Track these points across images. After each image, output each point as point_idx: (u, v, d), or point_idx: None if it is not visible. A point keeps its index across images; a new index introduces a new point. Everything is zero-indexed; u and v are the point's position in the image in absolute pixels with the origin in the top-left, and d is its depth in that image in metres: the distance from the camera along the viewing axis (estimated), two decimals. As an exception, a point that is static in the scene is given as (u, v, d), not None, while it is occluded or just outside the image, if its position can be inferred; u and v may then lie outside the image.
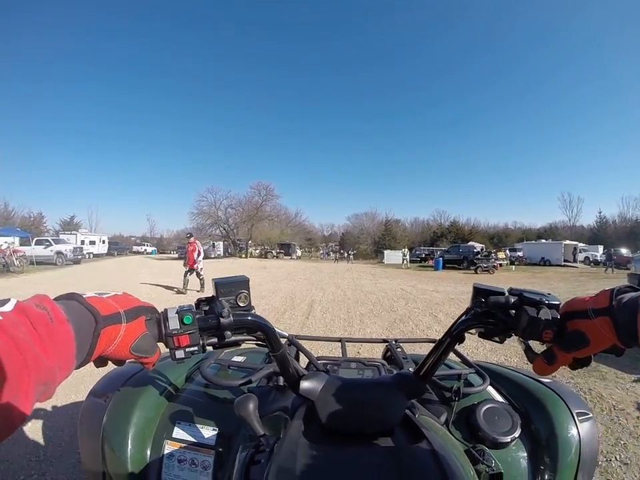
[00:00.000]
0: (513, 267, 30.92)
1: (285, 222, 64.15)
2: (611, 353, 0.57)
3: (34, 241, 25.95)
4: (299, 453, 0.53)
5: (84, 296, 0.50)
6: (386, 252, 40.85)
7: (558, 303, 0.60)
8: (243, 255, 43.29)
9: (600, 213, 64.49)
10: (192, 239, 11.52)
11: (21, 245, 25.15)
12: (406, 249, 35.23)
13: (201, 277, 11.33)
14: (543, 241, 44.53)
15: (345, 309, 8.83)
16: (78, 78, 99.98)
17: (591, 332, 0.55)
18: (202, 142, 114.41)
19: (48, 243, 26.15)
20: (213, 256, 46.89)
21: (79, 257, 27.58)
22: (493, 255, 29.72)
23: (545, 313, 0.57)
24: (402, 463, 0.54)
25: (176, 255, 45.20)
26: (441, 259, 28.69)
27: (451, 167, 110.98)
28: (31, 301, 0.42)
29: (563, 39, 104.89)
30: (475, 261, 28.16)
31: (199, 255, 11.27)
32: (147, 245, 66.03)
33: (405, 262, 31.65)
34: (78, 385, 3.61)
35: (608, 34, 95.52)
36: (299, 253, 53.80)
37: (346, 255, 46.64)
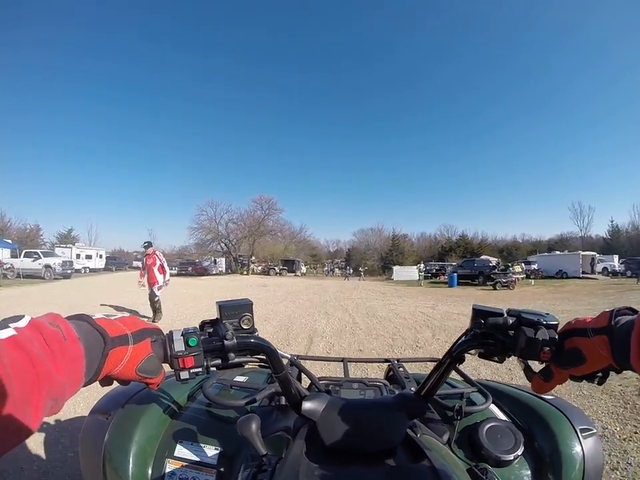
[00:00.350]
0: (532, 281, 28.48)
1: (289, 237, 62.33)
2: (604, 375, 0.58)
3: (22, 253, 24.43)
4: (300, 473, 0.54)
5: (93, 317, 0.52)
6: (395, 268, 38.74)
7: (556, 323, 0.61)
8: (245, 272, 41.25)
9: (612, 221, 62.04)
10: (150, 250, 8.86)
11: (12, 257, 23.70)
12: (422, 264, 32.77)
13: (156, 300, 8.54)
14: (558, 252, 42.03)
15: (356, 345, 6.73)
16: (79, 94, 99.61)
17: (587, 350, 0.56)
18: (206, 159, 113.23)
19: (37, 256, 24.63)
20: (214, 272, 44.99)
21: (69, 271, 25.87)
22: (510, 269, 27.54)
23: (542, 334, 0.58)
24: None
25: (178, 272, 43.34)
26: (455, 274, 26.34)
27: (457, 182, 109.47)
28: (45, 319, 0.43)
29: (575, 45, 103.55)
30: (492, 276, 25.93)
31: (161, 270, 8.69)
32: (148, 262, 64.65)
33: (420, 278, 29.27)
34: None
35: (619, 40, 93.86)
36: (303, 269, 51.77)
37: (352, 271, 44.41)
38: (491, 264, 28.56)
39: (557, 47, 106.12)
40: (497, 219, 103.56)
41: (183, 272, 41.92)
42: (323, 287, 25.47)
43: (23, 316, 0.41)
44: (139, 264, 10.87)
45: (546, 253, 43.56)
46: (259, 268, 43.63)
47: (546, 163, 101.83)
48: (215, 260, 46.99)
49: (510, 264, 30.30)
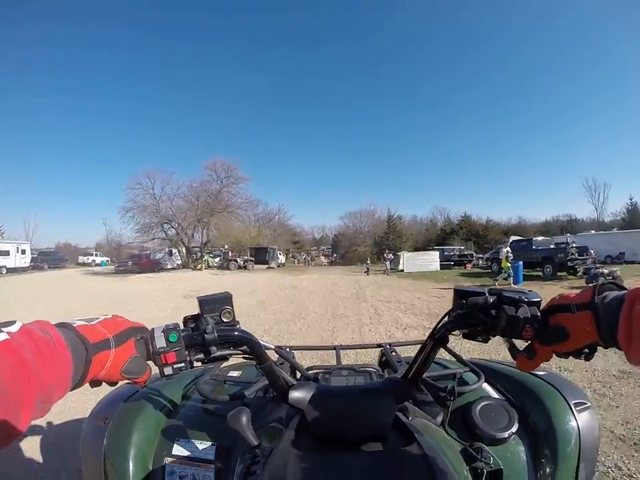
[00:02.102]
0: (617, 268, 18.01)
1: (264, 220, 51.21)
2: (590, 351, 0.57)
3: None
4: (289, 462, 0.54)
5: (74, 325, 0.51)
6: (406, 255, 27.54)
7: (539, 300, 0.60)
8: (199, 266, 30.07)
9: (632, 199, 52.67)
10: None
11: None
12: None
13: None
14: (617, 230, 31.89)
15: None
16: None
17: (571, 326, 0.55)
18: (174, 144, 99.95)
19: None
20: (169, 267, 33.71)
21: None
22: (589, 254, 17.25)
23: (523, 311, 0.57)
24: (390, 466, 0.55)
25: (116, 268, 31.97)
26: (520, 264, 15.68)
27: (446, 162, 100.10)
28: (35, 325, 0.44)
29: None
30: (575, 266, 15.60)
31: None
32: (97, 255, 52.84)
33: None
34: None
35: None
36: (281, 259, 40.78)
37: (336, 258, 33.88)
38: (562, 246, 17.97)
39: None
40: (490, 201, 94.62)
41: (122, 269, 30.93)
42: (303, 291, 14.61)
43: (15, 321, 0.42)
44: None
45: (593, 232, 33.14)
46: (216, 260, 32.69)
47: (532, 144, 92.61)
48: (172, 251, 35.44)
49: (573, 245, 19.59)
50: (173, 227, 34.42)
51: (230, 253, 35.87)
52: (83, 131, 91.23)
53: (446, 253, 28.33)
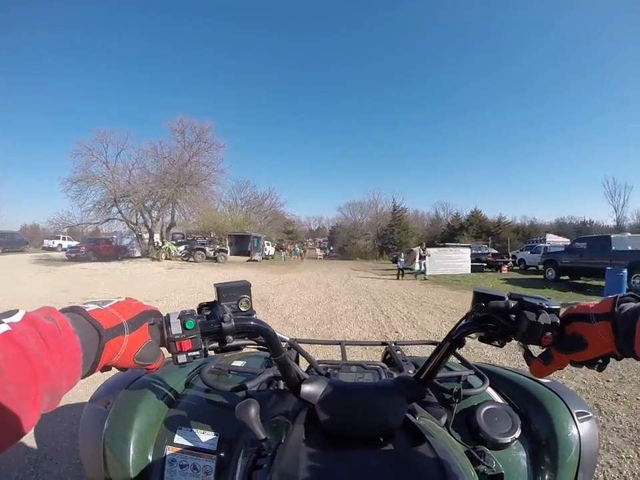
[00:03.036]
0: None
1: (253, 206, 44.62)
2: (604, 361, 0.57)
3: None
4: (301, 458, 0.53)
5: (87, 309, 0.49)
6: (432, 251, 19.37)
7: (558, 307, 0.59)
8: (163, 255, 23.32)
9: None
10: None
11: None
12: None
13: None
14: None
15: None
16: None
17: (589, 335, 0.54)
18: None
19: None
20: (138, 254, 26.91)
21: None
22: None
23: (544, 318, 0.56)
24: (402, 466, 0.55)
25: (67, 255, 25.23)
26: (624, 273, 9.30)
27: (450, 158, 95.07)
28: (39, 313, 0.42)
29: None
30: None
31: None
32: (65, 239, 46.09)
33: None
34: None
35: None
36: (269, 250, 34.17)
37: (330, 251, 27.68)
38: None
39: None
40: (494, 199, 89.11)
41: (73, 255, 24.33)
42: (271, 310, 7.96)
43: (17, 310, 0.40)
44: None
45: (629, 234, 26.64)
46: (181, 248, 25.38)
47: (535, 144, 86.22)
48: (141, 235, 28.56)
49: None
50: (134, 206, 27.44)
51: (201, 239, 28.98)
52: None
53: (475, 251, 21.79)
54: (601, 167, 78.39)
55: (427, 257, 16.91)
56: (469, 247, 22.64)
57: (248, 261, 27.36)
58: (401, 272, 16.80)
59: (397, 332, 5.92)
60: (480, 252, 22.77)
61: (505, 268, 20.61)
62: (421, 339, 5.50)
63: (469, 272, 19.04)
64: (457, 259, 19.35)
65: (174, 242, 25.73)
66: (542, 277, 15.56)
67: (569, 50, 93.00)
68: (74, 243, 44.16)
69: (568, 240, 29.05)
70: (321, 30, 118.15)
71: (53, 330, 0.40)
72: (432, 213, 61.06)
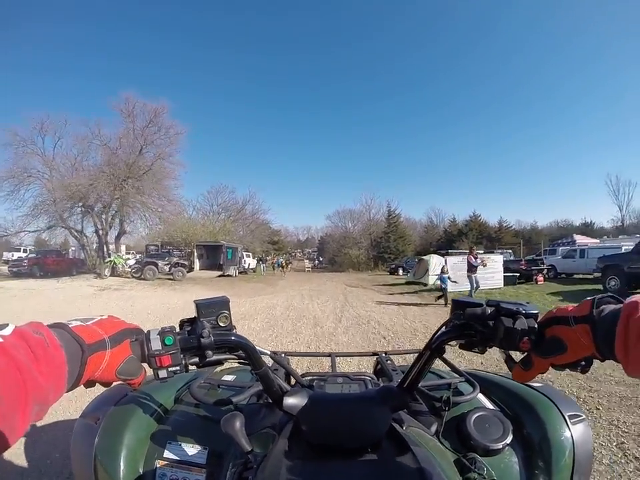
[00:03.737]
0: None
1: (232, 212, 39.47)
2: (587, 363, 0.56)
3: None
4: (282, 469, 0.54)
5: (70, 325, 0.50)
6: (449, 260, 14.48)
7: (536, 312, 0.59)
8: (107, 272, 18.04)
9: None
10: None
11: None
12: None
13: None
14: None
15: None
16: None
17: (568, 339, 0.54)
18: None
19: None
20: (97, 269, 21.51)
21: None
22: None
23: (521, 323, 0.56)
24: (384, 476, 0.54)
25: (9, 269, 20.52)
26: None
27: (439, 164, 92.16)
28: (29, 327, 0.43)
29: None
30: None
31: None
32: (25, 251, 40.08)
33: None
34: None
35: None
36: (249, 263, 28.92)
37: (318, 262, 23.47)
38: None
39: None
40: (487, 204, 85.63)
41: (15, 270, 20.02)
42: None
43: (7, 324, 0.41)
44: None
45: None
46: (131, 262, 20.65)
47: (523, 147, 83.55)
48: (86, 246, 22.97)
49: None
50: (79, 208, 21.62)
51: (179, 251, 23.87)
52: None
53: (505, 258, 17.00)
54: (594, 166, 75.50)
55: (444, 270, 11.84)
56: (501, 253, 17.91)
57: (220, 276, 22.23)
58: (442, 295, 10.82)
59: None
60: (507, 259, 17.99)
61: (539, 278, 15.91)
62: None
63: (502, 285, 14.29)
64: (486, 269, 14.55)
65: (120, 255, 20.21)
66: (597, 287, 11.65)
67: (561, 47, 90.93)
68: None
69: (597, 240, 25.01)
70: (311, 45, 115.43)
71: (42, 343, 0.41)
72: (424, 220, 56.93)
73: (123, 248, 30.63)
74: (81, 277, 18.31)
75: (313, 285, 19.11)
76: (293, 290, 15.81)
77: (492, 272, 14.39)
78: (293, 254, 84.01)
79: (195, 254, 24.38)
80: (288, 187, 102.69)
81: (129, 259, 19.42)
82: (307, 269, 40.21)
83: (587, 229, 47.72)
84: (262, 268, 28.07)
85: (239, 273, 25.70)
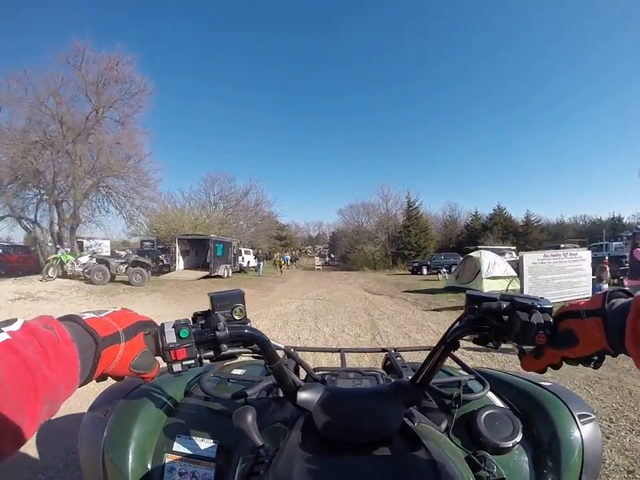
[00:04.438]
0: None
1: (232, 202, 34.69)
2: (599, 359, 0.56)
3: None
4: (296, 464, 0.54)
5: (83, 318, 0.49)
6: (526, 257, 9.10)
7: (550, 306, 0.59)
8: (51, 272, 13.22)
9: None
10: None
11: None
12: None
13: None
14: None
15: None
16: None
17: (580, 331, 0.54)
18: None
19: None
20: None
21: None
22: None
23: (536, 317, 0.56)
24: (398, 471, 0.54)
25: None
26: None
27: (454, 156, 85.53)
28: (38, 321, 0.42)
29: None
30: None
31: None
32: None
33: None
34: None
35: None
36: (248, 260, 24.31)
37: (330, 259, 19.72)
38: None
39: None
40: (503, 198, 79.74)
41: None
42: None
43: (16, 319, 0.40)
44: None
45: None
46: (83, 259, 14.05)
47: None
48: (37, 238, 18.44)
49: None
50: (33, 192, 17.23)
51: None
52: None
53: (595, 254, 11.93)
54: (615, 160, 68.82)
55: (603, 276, 7.14)
56: (590, 248, 12.90)
57: (206, 277, 17.65)
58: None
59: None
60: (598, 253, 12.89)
61: (626, 282, 10.91)
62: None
63: (590, 293, 9.30)
64: (572, 270, 9.58)
65: (69, 251, 15.43)
66: None
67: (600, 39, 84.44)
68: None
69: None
70: (320, 29, 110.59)
71: (52, 338, 0.39)
72: (439, 215, 51.35)
73: (107, 243, 26.26)
74: (27, 278, 13.82)
75: (321, 290, 14.41)
76: (292, 300, 11.09)
77: (578, 275, 9.45)
78: (304, 250, 79.77)
79: (178, 250, 19.84)
80: (298, 182, 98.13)
81: (82, 255, 14.63)
82: (316, 267, 35.64)
83: (618, 224, 42.24)
84: (260, 267, 23.13)
85: (234, 272, 21.09)
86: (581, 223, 49.31)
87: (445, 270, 21.76)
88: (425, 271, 26.83)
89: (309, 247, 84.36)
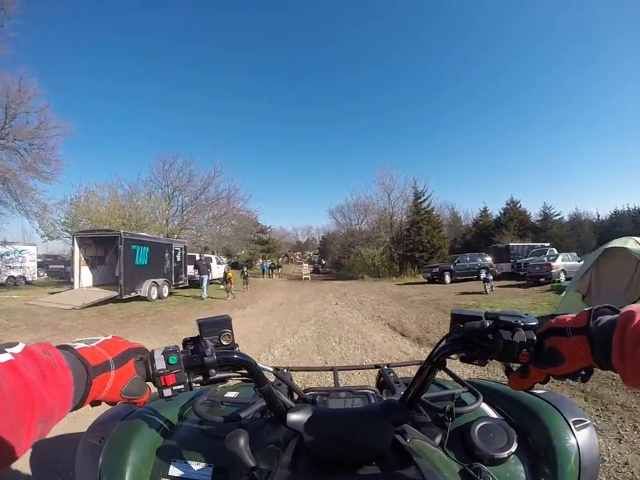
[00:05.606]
0: None
1: (190, 192, 26.46)
2: (587, 373, 0.55)
3: None
4: None
5: (75, 347, 0.51)
6: None
7: (535, 324, 0.59)
8: None
9: None
10: None
11: None
12: None
13: None
14: None
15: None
16: None
17: (566, 350, 0.53)
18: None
19: None
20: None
21: None
22: None
23: (519, 336, 0.56)
24: None
25: None
26: None
27: (449, 152, 79.30)
28: (38, 347, 0.44)
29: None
30: None
31: None
32: None
33: None
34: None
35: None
36: (214, 270, 16.84)
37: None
38: None
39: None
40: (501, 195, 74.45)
41: None
42: None
43: (18, 343, 0.42)
44: None
45: None
46: None
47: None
48: None
49: None
50: None
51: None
52: None
53: None
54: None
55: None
56: None
57: (117, 301, 10.10)
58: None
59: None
60: None
61: None
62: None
63: None
64: None
65: None
66: None
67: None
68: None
69: None
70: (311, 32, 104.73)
71: (50, 364, 0.42)
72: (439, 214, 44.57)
73: (32, 250, 18.69)
74: None
75: (307, 331, 7.11)
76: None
77: None
78: (291, 257, 72.94)
79: (77, 255, 12.11)
80: (285, 186, 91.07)
81: None
82: (304, 277, 28.15)
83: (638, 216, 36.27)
84: (203, 284, 13.24)
85: (181, 287, 13.61)
86: (595, 216, 42.94)
87: (486, 276, 14.68)
88: (447, 279, 19.84)
89: (298, 253, 77.12)
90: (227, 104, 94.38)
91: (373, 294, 14.65)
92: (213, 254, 23.82)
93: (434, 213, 29.55)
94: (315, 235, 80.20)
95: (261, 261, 34.04)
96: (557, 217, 40.64)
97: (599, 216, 41.61)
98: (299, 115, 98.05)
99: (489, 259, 21.75)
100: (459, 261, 20.81)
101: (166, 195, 24.86)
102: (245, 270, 19.04)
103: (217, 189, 28.08)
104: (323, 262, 46.86)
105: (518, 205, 39.53)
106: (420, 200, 29.31)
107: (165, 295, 12.91)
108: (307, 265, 35.68)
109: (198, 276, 13.42)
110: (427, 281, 21.36)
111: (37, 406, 0.38)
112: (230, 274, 14.06)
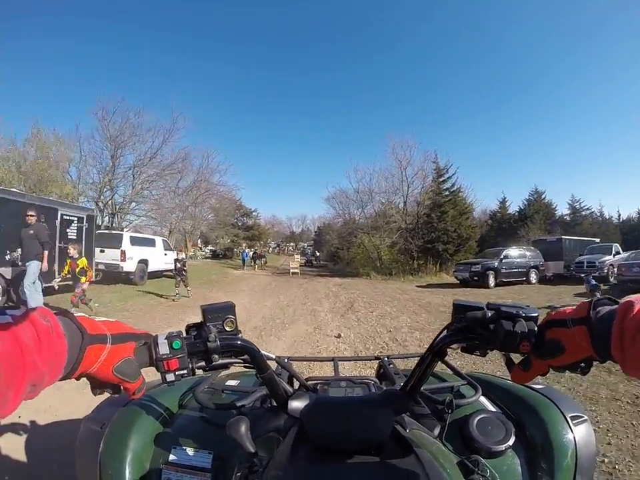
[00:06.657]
0: None
1: (140, 153, 19.83)
2: (587, 365, 0.56)
3: None
4: (287, 471, 0.55)
5: (75, 315, 0.51)
6: None
7: (536, 315, 0.59)
8: None
9: None
10: None
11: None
12: None
13: None
14: None
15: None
16: None
17: (567, 340, 0.54)
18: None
19: None
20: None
21: None
22: None
23: (520, 326, 0.56)
24: (388, 477, 0.55)
25: None
26: None
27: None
28: (38, 313, 0.44)
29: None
30: None
31: None
32: None
33: None
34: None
35: None
36: (159, 259, 10.96)
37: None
38: None
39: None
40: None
41: None
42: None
43: (19, 307, 0.43)
44: None
45: None
46: None
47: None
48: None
49: None
50: None
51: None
52: None
53: None
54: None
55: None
56: None
57: None
58: None
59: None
60: None
61: None
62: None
63: None
64: None
65: None
66: None
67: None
68: None
69: None
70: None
71: (47, 330, 0.42)
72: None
73: None
74: None
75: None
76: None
77: None
78: (283, 248, 67.10)
79: None
80: (276, 172, 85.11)
81: None
82: (292, 271, 21.89)
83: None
84: (26, 284, 6.40)
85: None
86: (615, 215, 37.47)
87: (593, 282, 8.76)
88: (491, 281, 13.98)
89: (291, 244, 71.28)
90: (217, 93, 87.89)
91: (399, 306, 8.84)
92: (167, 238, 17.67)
93: (460, 194, 23.19)
94: (309, 225, 74.52)
95: (245, 250, 27.76)
96: (588, 212, 35.42)
97: (619, 215, 36.42)
98: (293, 108, 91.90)
99: (538, 254, 16.01)
100: (505, 257, 14.96)
101: (106, 154, 18.61)
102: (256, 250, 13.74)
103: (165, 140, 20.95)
104: (317, 254, 40.74)
105: (543, 197, 34.15)
106: (442, 178, 23.04)
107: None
108: (297, 256, 29.57)
109: (18, 259, 6.84)
110: (459, 282, 15.51)
111: (29, 369, 0.38)
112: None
